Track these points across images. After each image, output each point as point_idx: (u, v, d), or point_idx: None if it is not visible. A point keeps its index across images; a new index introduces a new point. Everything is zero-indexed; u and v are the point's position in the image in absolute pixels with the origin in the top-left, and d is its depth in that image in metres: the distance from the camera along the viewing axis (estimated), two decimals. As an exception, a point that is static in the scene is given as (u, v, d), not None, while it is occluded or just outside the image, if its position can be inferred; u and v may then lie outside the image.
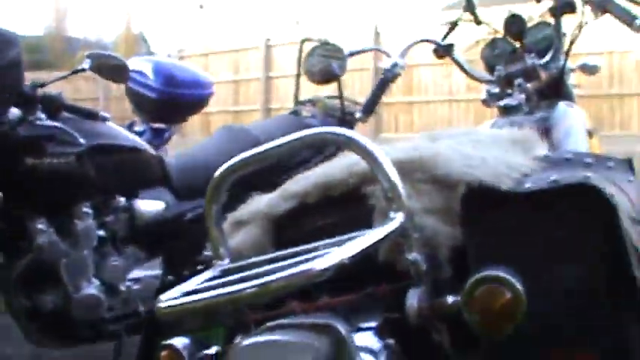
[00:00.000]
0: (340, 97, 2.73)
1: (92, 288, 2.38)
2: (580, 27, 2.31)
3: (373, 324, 0.99)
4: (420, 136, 1.29)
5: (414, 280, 0.98)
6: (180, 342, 1.10)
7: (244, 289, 0.86)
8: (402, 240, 0.97)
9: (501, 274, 0.93)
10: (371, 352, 0.95)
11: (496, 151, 1.14)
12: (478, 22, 2.47)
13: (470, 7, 2.43)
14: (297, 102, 2.93)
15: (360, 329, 0.98)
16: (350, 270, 0.89)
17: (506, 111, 2.11)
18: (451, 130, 1.32)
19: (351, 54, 2.40)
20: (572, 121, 2.03)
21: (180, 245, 2.62)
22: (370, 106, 2.28)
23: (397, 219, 0.95)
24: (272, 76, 12.85)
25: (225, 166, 1.06)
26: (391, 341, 0.98)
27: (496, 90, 2.22)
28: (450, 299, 0.97)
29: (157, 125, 3.22)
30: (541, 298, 0.93)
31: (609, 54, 11.70)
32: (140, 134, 3.04)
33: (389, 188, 0.96)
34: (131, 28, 19.04)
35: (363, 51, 2.54)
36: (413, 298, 0.97)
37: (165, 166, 2.68)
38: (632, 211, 1.07)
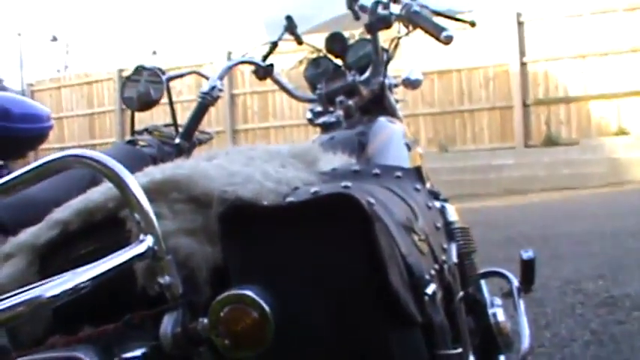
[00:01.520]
0: (174, 124, 2.66)
1: None
2: (396, 42, 2.35)
3: (139, 353, 0.93)
4: (197, 155, 1.25)
5: (169, 305, 0.93)
6: None
7: None
8: (154, 263, 0.92)
9: (246, 292, 0.88)
10: None
11: (269, 166, 1.10)
12: (299, 42, 2.46)
13: (290, 27, 2.41)
14: (133, 132, 2.84)
15: None
16: (117, 298, 0.87)
17: (326, 128, 2.09)
18: (234, 147, 1.28)
19: (170, 78, 2.33)
20: (389, 135, 2.03)
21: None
22: (189, 131, 2.21)
23: (145, 242, 0.90)
24: (127, 107, 12.61)
25: None
26: None
27: (319, 108, 2.21)
28: (203, 323, 0.92)
29: (-6, 163, 3.05)
30: (296, 316, 0.89)
31: (457, 72, 12.23)
32: (-24, 174, 2.86)
33: (136, 210, 0.90)
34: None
35: (182, 75, 2.47)
36: (167, 324, 0.92)
37: None
38: (407, 220, 1.04)
